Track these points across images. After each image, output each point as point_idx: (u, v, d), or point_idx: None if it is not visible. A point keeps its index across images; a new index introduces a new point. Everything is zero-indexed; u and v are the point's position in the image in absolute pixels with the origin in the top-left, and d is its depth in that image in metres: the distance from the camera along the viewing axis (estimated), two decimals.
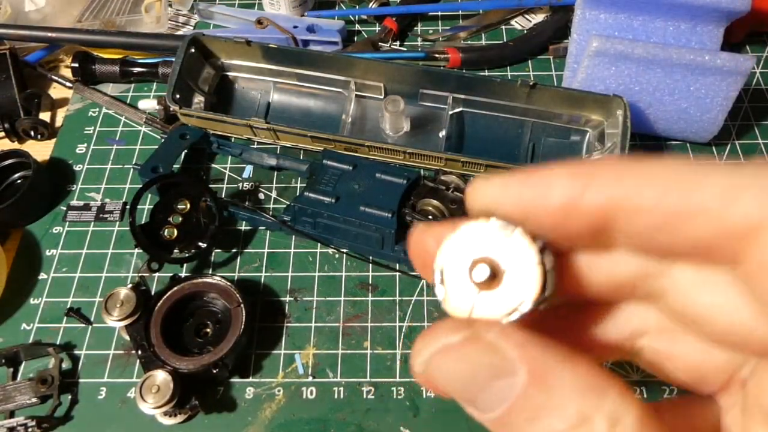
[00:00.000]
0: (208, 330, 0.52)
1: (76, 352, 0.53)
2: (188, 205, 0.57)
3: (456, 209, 0.55)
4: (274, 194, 0.62)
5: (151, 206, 0.58)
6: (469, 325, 0.16)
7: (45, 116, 0.69)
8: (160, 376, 0.47)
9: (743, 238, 0.14)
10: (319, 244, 0.58)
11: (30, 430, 0.48)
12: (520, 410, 0.14)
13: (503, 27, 0.76)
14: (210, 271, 0.57)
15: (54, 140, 0.67)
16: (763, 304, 0.14)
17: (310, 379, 0.51)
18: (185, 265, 0.57)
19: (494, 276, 0.16)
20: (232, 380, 0.51)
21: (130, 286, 0.51)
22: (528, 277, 0.16)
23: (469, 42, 0.75)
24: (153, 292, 0.54)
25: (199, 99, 0.66)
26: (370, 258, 0.57)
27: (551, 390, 0.14)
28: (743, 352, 0.17)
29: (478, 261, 0.17)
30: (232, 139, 0.65)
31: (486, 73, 0.72)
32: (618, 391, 0.14)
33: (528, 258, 0.16)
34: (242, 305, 0.51)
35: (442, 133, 0.63)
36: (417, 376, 0.16)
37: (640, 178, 0.15)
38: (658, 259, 0.17)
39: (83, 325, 0.54)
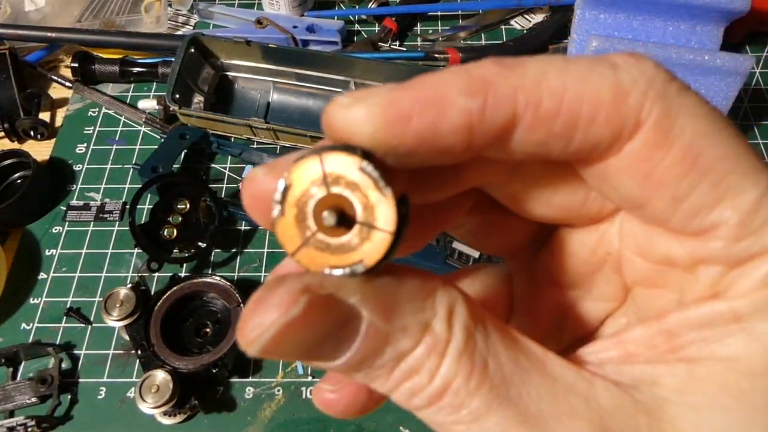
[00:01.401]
0: (208, 330, 0.52)
1: (76, 351, 0.53)
2: (188, 205, 0.57)
3: None
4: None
5: (151, 206, 0.58)
6: (298, 289, 0.14)
7: (45, 116, 0.69)
8: (160, 375, 0.47)
9: (625, 137, 0.15)
10: None
11: (30, 429, 0.48)
12: (367, 347, 0.14)
13: (503, 27, 0.76)
14: (210, 271, 0.57)
15: (54, 140, 0.67)
16: (616, 189, 0.16)
17: (310, 378, 0.51)
18: (185, 264, 0.57)
19: (340, 220, 0.14)
20: (231, 380, 0.51)
21: (129, 285, 0.52)
22: (376, 242, 0.14)
23: (468, 42, 0.75)
24: (153, 292, 0.54)
25: (198, 99, 0.66)
26: None
27: (393, 317, 0.14)
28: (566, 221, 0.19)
29: (332, 201, 0.14)
30: (232, 139, 0.65)
31: None
32: (442, 288, 0.15)
33: (384, 220, 0.14)
34: (242, 305, 0.51)
35: None
36: (251, 354, 0.14)
37: (537, 79, 0.15)
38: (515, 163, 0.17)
39: (83, 324, 0.54)
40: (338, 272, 0.14)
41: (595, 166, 0.16)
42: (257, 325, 0.13)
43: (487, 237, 0.22)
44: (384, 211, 0.14)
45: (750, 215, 0.15)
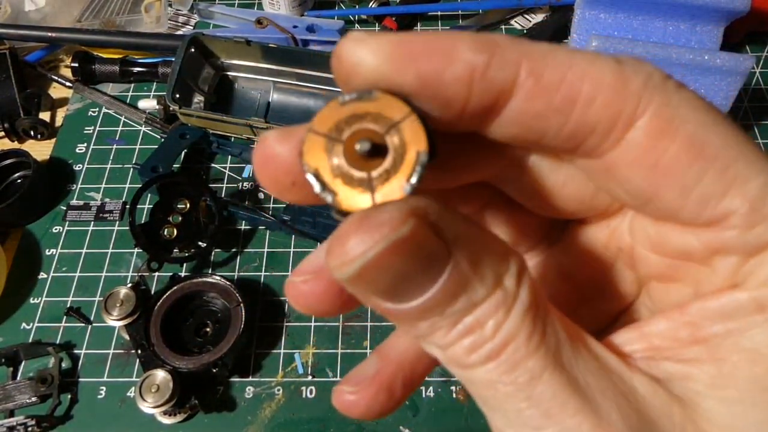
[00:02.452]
0: (208, 329, 0.52)
1: (76, 351, 0.53)
2: (188, 205, 0.57)
3: None
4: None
5: (151, 206, 0.58)
6: (406, 210, 0.13)
7: (45, 116, 0.69)
8: (160, 375, 0.47)
9: (622, 125, 0.15)
10: (318, 244, 0.58)
11: (30, 429, 0.48)
12: (447, 289, 0.14)
13: (503, 27, 0.76)
14: (210, 271, 0.57)
15: (54, 140, 0.67)
16: (620, 184, 0.16)
17: (310, 378, 0.51)
18: (185, 264, 0.57)
19: (377, 148, 0.14)
20: (231, 379, 0.51)
21: (129, 285, 0.52)
22: (414, 134, 0.14)
23: None
24: (153, 292, 0.54)
25: (198, 99, 0.66)
26: None
27: (477, 264, 0.14)
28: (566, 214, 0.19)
29: (354, 138, 0.15)
30: (232, 139, 0.65)
31: None
32: (514, 252, 0.15)
33: (400, 112, 0.15)
34: (242, 305, 0.51)
35: None
36: (341, 279, 0.14)
37: (544, 53, 0.15)
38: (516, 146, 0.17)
39: (83, 324, 0.54)
40: (414, 179, 0.14)
41: (596, 160, 0.16)
42: (362, 242, 0.13)
43: (501, 232, 0.22)
44: (389, 107, 0.15)
45: (759, 202, 0.15)
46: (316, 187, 0.15)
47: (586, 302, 0.21)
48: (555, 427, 0.14)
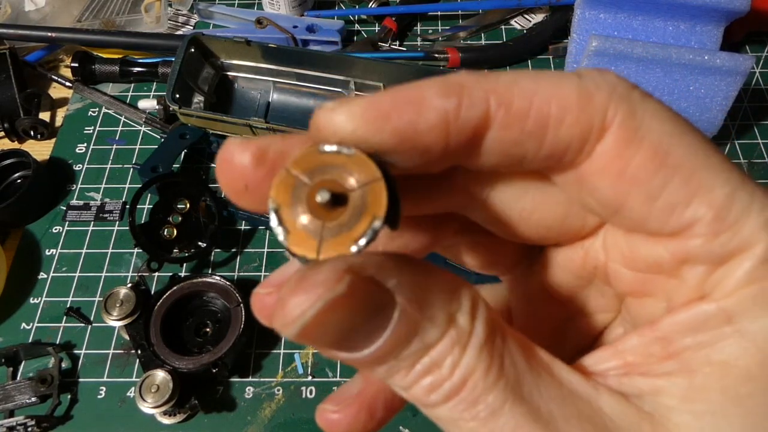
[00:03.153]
0: (208, 329, 0.52)
1: (76, 351, 0.53)
2: (188, 205, 0.57)
3: None
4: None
5: (151, 206, 0.58)
6: (342, 268, 0.14)
7: (45, 116, 0.69)
8: (160, 375, 0.47)
9: (594, 138, 0.15)
10: None
11: (30, 429, 0.48)
12: (398, 336, 0.14)
13: (503, 27, 0.76)
14: (210, 271, 0.57)
15: (54, 140, 0.67)
16: (589, 197, 0.17)
17: (310, 378, 0.51)
18: (185, 264, 0.57)
19: (337, 200, 0.15)
20: (231, 380, 0.51)
21: (129, 285, 0.52)
22: (376, 199, 0.15)
23: (468, 42, 0.75)
24: (152, 292, 0.54)
25: (198, 99, 0.66)
26: None
27: (423, 307, 0.14)
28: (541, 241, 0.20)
29: (318, 186, 0.15)
30: None
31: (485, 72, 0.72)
32: (466, 285, 0.16)
33: (371, 174, 0.15)
34: (242, 305, 0.51)
35: None
36: (289, 339, 0.14)
37: (509, 84, 0.15)
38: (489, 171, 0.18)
39: (83, 324, 0.54)
40: (362, 241, 0.15)
41: (570, 172, 0.16)
42: (300, 303, 0.13)
43: (477, 257, 0.22)
44: (363, 167, 0.15)
45: (724, 210, 0.15)
46: (273, 221, 0.15)
47: (571, 320, 0.21)
48: None
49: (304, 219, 0.15)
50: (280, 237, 0.15)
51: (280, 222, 0.15)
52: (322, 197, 0.15)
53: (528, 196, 0.18)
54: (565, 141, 0.15)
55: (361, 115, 0.15)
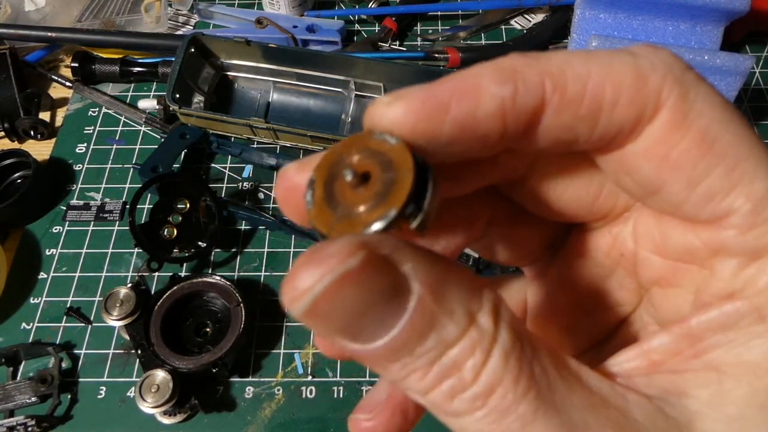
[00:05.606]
0: (208, 329, 0.52)
1: (76, 351, 0.53)
2: (188, 205, 0.57)
3: None
4: (273, 194, 0.62)
5: (151, 206, 0.58)
6: (356, 243, 0.13)
7: (45, 116, 0.69)
8: (160, 375, 0.47)
9: (646, 120, 0.15)
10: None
11: (30, 429, 0.48)
12: (413, 327, 0.13)
13: (503, 27, 0.76)
14: (210, 271, 0.57)
15: (54, 140, 0.67)
16: (635, 176, 0.16)
17: (310, 378, 0.51)
18: (185, 264, 0.57)
19: (364, 180, 0.15)
20: (231, 379, 0.51)
21: (129, 285, 0.52)
22: (401, 185, 0.14)
23: (468, 42, 0.75)
24: (153, 292, 0.54)
25: (198, 99, 0.66)
26: None
27: (441, 298, 0.14)
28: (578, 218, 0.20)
29: (350, 166, 0.15)
30: (232, 139, 0.65)
31: None
32: (488, 287, 0.15)
33: (405, 165, 0.15)
34: (242, 304, 0.51)
35: None
36: (297, 316, 0.13)
37: (562, 66, 0.15)
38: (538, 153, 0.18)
39: (83, 324, 0.54)
40: (375, 226, 0.14)
41: (615, 153, 0.16)
42: (309, 276, 0.13)
43: (505, 247, 0.22)
44: (401, 157, 0.15)
45: (762, 204, 0.15)
46: (307, 193, 0.16)
47: (588, 313, 0.21)
48: None
49: (330, 195, 0.15)
50: (308, 204, 0.16)
51: (311, 194, 0.16)
52: (347, 176, 0.15)
53: (566, 173, 0.18)
54: (618, 124, 0.15)
55: (421, 108, 0.15)
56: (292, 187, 0.16)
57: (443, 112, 0.15)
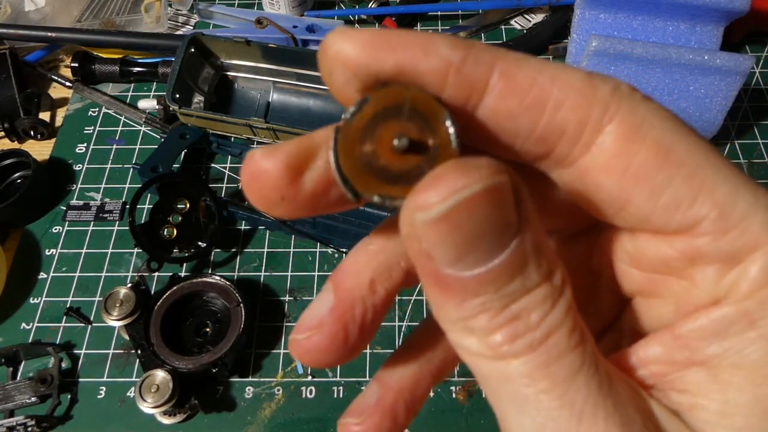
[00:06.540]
0: (208, 329, 0.52)
1: (76, 351, 0.53)
2: (188, 205, 0.57)
3: None
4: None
5: (151, 206, 0.58)
6: (501, 163, 0.14)
7: (45, 116, 0.69)
8: (160, 375, 0.47)
9: (591, 129, 0.15)
10: (318, 244, 0.58)
11: (29, 429, 0.48)
12: (509, 263, 0.14)
13: (503, 27, 0.76)
14: (209, 271, 0.57)
15: (54, 140, 0.67)
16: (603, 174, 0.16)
17: (310, 378, 0.51)
18: (185, 264, 0.57)
19: (415, 146, 0.15)
20: (231, 380, 0.51)
21: (129, 285, 0.52)
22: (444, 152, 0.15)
23: None
24: (152, 292, 0.54)
25: (198, 99, 0.66)
26: None
27: (538, 249, 0.14)
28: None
29: (392, 134, 0.15)
30: (232, 139, 0.65)
31: None
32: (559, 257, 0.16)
33: (444, 139, 0.15)
34: (242, 305, 0.51)
35: None
36: (425, 220, 0.13)
37: (517, 61, 0.15)
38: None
39: (83, 324, 0.54)
40: (453, 132, 0.15)
41: (572, 169, 0.16)
42: (460, 179, 0.13)
43: None
44: (442, 117, 0.15)
45: (728, 208, 0.15)
46: (367, 146, 0.16)
47: None
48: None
49: (370, 145, 0.15)
50: (344, 117, 0.16)
51: (357, 110, 0.16)
52: (401, 142, 0.15)
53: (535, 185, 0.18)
54: (561, 125, 0.15)
55: (370, 42, 0.15)
56: (258, 171, 0.16)
57: (390, 51, 0.15)
